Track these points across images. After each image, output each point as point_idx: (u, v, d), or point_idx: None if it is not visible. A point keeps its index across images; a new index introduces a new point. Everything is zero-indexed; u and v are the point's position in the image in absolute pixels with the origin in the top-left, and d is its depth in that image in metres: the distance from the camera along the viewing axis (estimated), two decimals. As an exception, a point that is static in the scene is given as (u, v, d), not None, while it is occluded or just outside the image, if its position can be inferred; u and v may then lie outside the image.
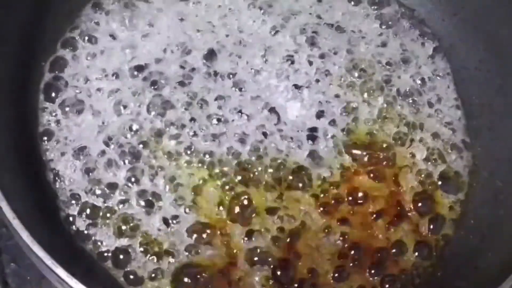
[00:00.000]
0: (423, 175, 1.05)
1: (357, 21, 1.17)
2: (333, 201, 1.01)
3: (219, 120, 1.05)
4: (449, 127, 1.09)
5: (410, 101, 1.10)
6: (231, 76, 1.09)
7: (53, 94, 1.04)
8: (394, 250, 0.99)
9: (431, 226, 1.01)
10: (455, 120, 1.10)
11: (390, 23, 1.16)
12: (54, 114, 1.03)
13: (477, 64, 1.11)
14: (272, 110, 1.06)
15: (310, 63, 1.11)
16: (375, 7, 1.17)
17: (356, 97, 1.09)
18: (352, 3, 1.18)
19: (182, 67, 1.09)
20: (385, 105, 1.09)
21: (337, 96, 1.09)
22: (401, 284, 0.96)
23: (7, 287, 0.99)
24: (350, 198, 1.01)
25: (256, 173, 1.01)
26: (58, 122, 1.03)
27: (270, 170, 1.02)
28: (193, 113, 1.05)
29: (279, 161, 1.03)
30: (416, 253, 0.99)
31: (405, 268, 0.98)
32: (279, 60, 1.11)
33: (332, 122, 1.07)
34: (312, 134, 1.05)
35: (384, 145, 1.06)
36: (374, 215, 1.01)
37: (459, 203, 1.04)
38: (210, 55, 1.10)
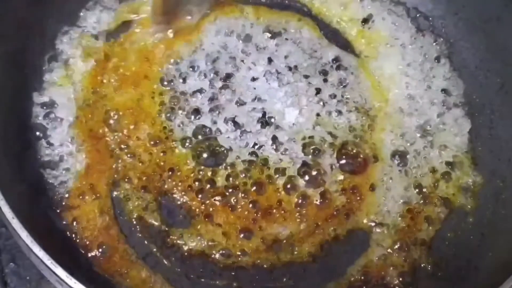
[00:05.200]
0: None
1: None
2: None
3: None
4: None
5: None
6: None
7: (52, 91, 1.04)
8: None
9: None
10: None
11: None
12: (52, 111, 1.03)
13: (477, 63, 1.11)
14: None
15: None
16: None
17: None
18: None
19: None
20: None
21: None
22: (401, 284, 0.96)
23: (6, 286, 0.99)
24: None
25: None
26: (56, 119, 1.02)
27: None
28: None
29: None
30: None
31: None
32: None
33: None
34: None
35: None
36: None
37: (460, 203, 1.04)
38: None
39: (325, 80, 1.10)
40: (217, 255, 0.96)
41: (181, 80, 1.08)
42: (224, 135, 1.04)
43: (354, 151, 1.05)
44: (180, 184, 1.00)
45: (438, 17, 1.17)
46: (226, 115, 1.06)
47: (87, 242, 0.94)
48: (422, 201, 1.02)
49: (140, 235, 0.97)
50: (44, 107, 1.02)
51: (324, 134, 1.06)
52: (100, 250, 0.94)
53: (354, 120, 1.07)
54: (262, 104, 1.07)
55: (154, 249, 0.96)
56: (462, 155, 1.07)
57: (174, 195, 1.00)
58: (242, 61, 1.10)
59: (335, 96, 1.09)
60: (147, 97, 1.06)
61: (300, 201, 1.00)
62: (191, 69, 1.09)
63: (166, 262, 0.96)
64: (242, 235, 0.98)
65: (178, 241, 0.97)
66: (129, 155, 1.02)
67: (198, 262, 0.96)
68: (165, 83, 1.08)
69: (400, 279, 0.96)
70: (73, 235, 0.94)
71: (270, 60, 1.11)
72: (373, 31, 1.16)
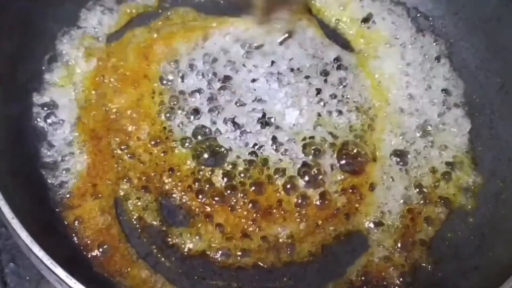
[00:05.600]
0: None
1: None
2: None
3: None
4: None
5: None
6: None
7: (53, 92, 1.04)
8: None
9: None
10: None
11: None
12: (53, 112, 1.03)
13: (477, 63, 1.12)
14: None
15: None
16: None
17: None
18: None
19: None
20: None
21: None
22: (401, 284, 0.96)
23: (6, 286, 0.99)
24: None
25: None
26: (57, 120, 1.02)
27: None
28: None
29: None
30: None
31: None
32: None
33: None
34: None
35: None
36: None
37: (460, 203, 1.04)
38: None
39: (325, 81, 1.10)
40: (217, 255, 0.96)
41: (179, 80, 1.08)
42: (224, 135, 1.04)
43: (355, 151, 1.05)
44: (180, 184, 1.00)
45: (438, 17, 1.17)
46: (226, 115, 1.06)
47: (88, 242, 0.94)
48: (422, 201, 1.02)
49: (140, 235, 0.97)
50: (45, 108, 1.02)
51: (325, 134, 1.06)
52: (101, 249, 0.94)
53: (355, 120, 1.08)
54: (262, 105, 1.07)
55: (154, 249, 0.96)
56: (462, 155, 1.07)
57: (174, 195, 1.00)
58: (243, 64, 1.11)
59: (335, 96, 1.09)
60: (147, 97, 1.06)
61: (300, 201, 1.00)
62: (189, 69, 1.09)
63: (166, 262, 0.96)
64: (242, 235, 0.97)
65: (178, 241, 0.97)
66: (129, 155, 1.02)
67: (198, 262, 0.96)
68: (164, 81, 1.08)
69: (401, 279, 0.96)
70: (73, 235, 0.94)
71: (273, 62, 1.11)
72: (373, 31, 1.16)
